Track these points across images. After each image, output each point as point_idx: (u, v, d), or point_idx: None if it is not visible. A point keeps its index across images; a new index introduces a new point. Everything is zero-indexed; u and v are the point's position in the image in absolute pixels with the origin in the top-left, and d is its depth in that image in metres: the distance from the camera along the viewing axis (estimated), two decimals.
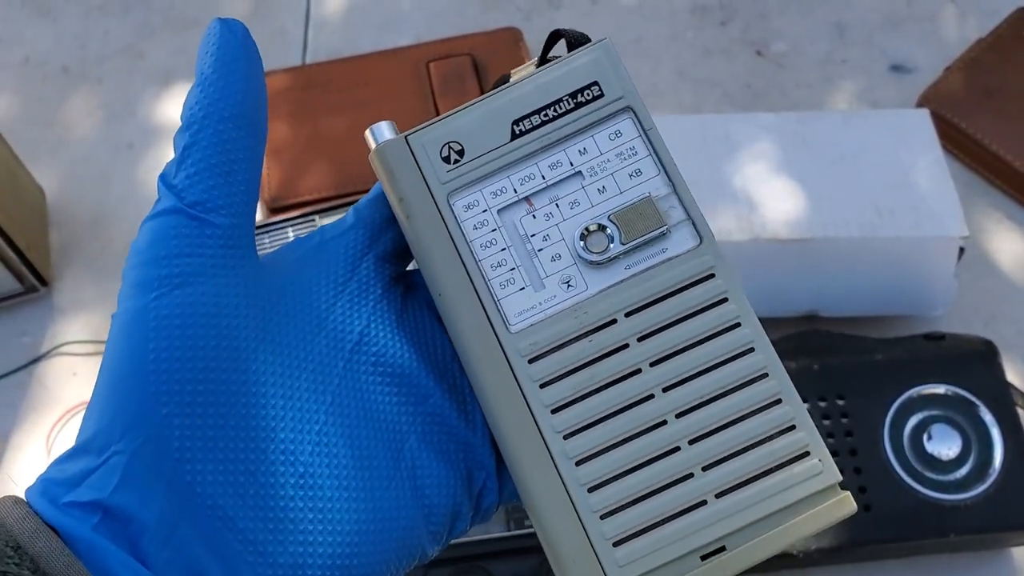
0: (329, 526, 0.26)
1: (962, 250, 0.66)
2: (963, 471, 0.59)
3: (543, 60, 0.31)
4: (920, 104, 0.78)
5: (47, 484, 0.25)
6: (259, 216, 0.79)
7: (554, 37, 0.32)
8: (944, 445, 0.60)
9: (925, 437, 0.60)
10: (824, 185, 0.68)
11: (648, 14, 0.88)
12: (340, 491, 0.26)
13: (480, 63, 0.83)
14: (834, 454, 0.60)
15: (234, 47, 0.28)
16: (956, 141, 0.78)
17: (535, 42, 0.86)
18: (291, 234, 0.68)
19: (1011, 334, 0.70)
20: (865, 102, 0.81)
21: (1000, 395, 0.61)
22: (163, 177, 0.27)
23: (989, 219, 0.75)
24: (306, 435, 0.26)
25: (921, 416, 0.61)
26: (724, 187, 0.68)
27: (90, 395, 0.26)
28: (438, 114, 0.80)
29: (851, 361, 0.62)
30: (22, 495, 0.26)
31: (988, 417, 0.60)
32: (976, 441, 0.60)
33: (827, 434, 0.60)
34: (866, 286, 0.68)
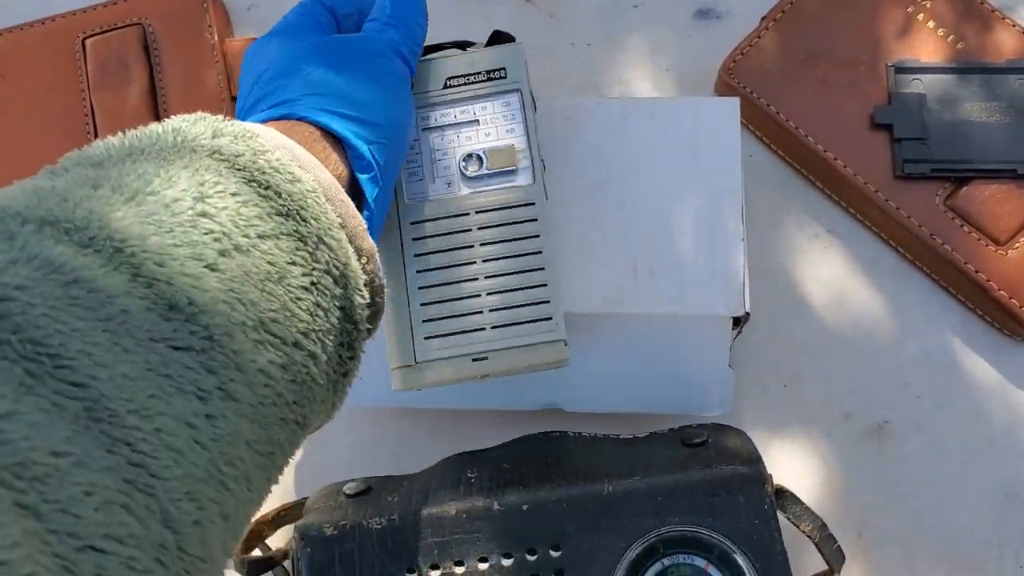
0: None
1: (740, 319, 0.49)
2: None
3: (490, 43, 0.49)
4: (723, 75, 0.59)
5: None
6: None
7: (495, 36, 0.49)
8: None
9: None
10: (573, 229, 0.50)
11: None
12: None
13: (152, 35, 0.62)
14: None
15: None
16: (767, 128, 0.59)
17: None
18: None
19: (813, 402, 0.54)
20: (657, 65, 0.61)
21: (762, 540, 0.45)
22: None
23: (803, 234, 0.57)
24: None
25: (662, 567, 0.45)
26: None
27: None
28: (93, 115, 0.61)
29: (572, 496, 0.47)
30: None
31: (749, 570, 0.45)
32: None
33: None
34: (616, 376, 0.51)
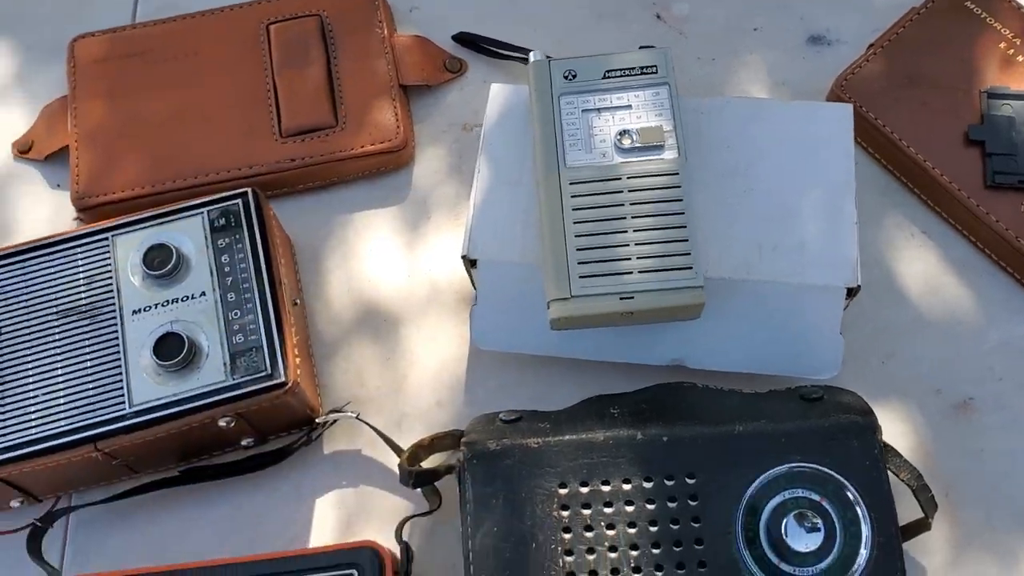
0: None
1: (853, 290, 0.56)
2: (823, 565, 0.51)
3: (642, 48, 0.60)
4: (836, 90, 0.67)
5: None
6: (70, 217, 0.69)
7: (643, 47, 0.60)
8: (804, 535, 0.52)
9: (784, 525, 0.52)
10: (705, 208, 0.58)
11: None
12: None
13: (329, 25, 0.71)
14: (676, 544, 0.52)
15: None
16: (872, 138, 0.67)
17: None
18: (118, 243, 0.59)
19: (906, 378, 0.61)
20: (774, 81, 0.70)
21: (872, 480, 0.52)
22: None
23: (901, 234, 0.65)
24: None
25: (783, 498, 0.52)
26: None
27: None
28: (275, 90, 0.69)
29: (706, 434, 0.54)
30: None
31: (859, 505, 0.52)
32: (842, 531, 0.52)
33: (671, 520, 0.52)
34: (738, 338, 0.58)
